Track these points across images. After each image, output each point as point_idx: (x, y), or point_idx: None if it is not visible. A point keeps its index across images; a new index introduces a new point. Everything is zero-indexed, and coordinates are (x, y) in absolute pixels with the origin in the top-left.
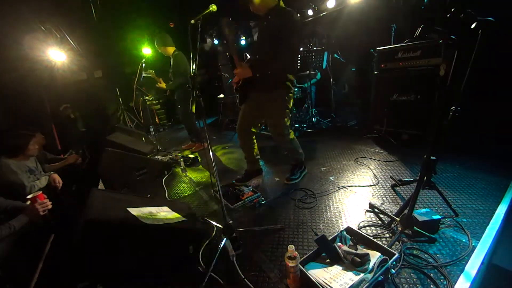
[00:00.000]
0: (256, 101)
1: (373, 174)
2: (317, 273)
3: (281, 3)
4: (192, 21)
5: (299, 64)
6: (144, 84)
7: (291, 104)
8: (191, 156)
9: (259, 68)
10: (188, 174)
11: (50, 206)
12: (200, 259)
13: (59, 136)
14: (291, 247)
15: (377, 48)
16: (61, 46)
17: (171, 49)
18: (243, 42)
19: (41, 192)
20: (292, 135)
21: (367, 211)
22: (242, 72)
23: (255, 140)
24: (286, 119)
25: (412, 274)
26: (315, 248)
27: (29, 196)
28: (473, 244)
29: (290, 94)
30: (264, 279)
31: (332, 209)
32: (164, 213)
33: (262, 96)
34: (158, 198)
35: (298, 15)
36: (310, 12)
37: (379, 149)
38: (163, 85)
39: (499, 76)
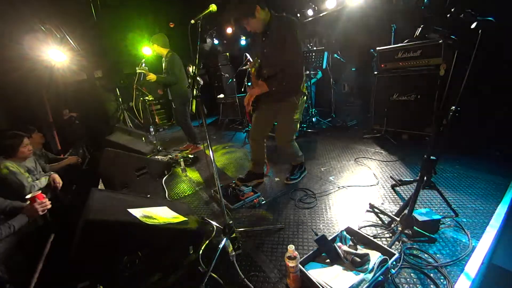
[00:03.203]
0: (269, 110)
1: (373, 174)
2: (317, 273)
3: (271, 13)
4: (192, 21)
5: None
6: (144, 84)
7: (302, 111)
8: (191, 156)
9: (274, 82)
10: (188, 174)
11: (49, 206)
12: (200, 259)
13: (59, 136)
14: (291, 247)
15: (377, 48)
16: (61, 46)
17: (165, 50)
18: (243, 42)
19: (40, 191)
20: (294, 142)
21: (367, 211)
22: (259, 90)
23: (265, 143)
24: (295, 127)
25: (412, 274)
26: (315, 248)
27: (28, 196)
28: (473, 244)
29: (301, 101)
30: (264, 279)
31: (332, 209)
32: (164, 213)
33: (276, 105)
34: (158, 198)
35: (298, 15)
36: (310, 12)
37: (379, 149)
38: (153, 76)
39: (499, 76)
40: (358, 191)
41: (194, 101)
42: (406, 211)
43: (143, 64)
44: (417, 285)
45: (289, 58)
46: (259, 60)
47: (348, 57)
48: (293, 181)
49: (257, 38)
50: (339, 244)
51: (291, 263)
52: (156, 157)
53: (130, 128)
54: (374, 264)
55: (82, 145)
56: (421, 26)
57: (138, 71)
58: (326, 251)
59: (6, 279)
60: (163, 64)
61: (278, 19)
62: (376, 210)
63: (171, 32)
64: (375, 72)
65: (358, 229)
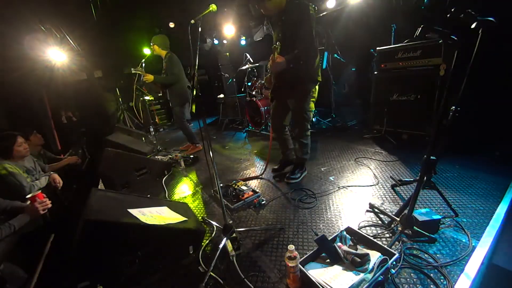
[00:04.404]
0: (284, 96)
1: (373, 174)
2: (317, 273)
3: None
4: (192, 21)
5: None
6: (144, 84)
7: (316, 96)
8: (191, 156)
9: (293, 62)
10: (188, 174)
11: (49, 205)
12: (200, 259)
13: (59, 136)
14: (291, 247)
15: (377, 48)
16: (61, 46)
17: (164, 52)
18: (243, 42)
19: (40, 191)
20: (309, 132)
21: (367, 211)
22: (280, 64)
23: (288, 132)
24: (308, 116)
25: (412, 274)
26: (315, 248)
27: (28, 196)
28: (473, 244)
29: (314, 91)
30: (264, 279)
31: (332, 209)
32: (164, 213)
33: (290, 91)
34: (158, 198)
35: (315, 6)
36: None
37: (379, 149)
38: (150, 77)
39: (499, 76)
40: (358, 191)
41: (195, 102)
42: (406, 211)
43: (143, 65)
44: (417, 285)
45: (303, 44)
46: (277, 43)
47: (348, 57)
48: (293, 181)
49: (274, 23)
50: (339, 244)
51: (291, 263)
52: (156, 157)
53: (130, 128)
54: (374, 264)
55: (82, 145)
56: (421, 26)
57: (133, 71)
58: (326, 251)
59: (6, 279)
60: (164, 65)
61: (293, 4)
62: (376, 210)
63: (171, 32)
64: (375, 72)
65: (358, 229)
